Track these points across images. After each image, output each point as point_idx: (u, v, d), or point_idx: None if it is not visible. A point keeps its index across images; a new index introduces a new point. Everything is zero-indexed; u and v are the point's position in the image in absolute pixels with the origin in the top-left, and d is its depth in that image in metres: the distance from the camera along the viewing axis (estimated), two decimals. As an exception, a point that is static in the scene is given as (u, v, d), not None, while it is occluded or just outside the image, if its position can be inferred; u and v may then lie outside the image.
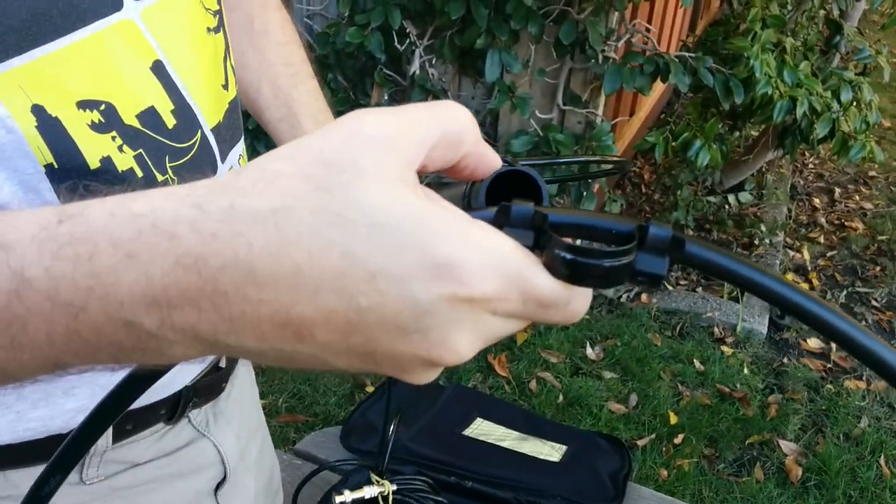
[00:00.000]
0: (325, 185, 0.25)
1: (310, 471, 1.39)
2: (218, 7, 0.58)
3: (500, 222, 0.29)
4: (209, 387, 0.63)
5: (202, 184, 0.27)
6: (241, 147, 0.61)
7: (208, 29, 0.56)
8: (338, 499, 0.74)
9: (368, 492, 0.78)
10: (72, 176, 0.46)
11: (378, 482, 0.81)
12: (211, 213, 0.26)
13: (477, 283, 0.25)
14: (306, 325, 0.26)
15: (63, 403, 0.52)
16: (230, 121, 0.58)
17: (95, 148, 0.46)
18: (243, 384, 0.73)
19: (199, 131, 0.53)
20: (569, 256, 0.27)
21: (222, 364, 0.66)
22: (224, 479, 0.67)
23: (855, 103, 2.62)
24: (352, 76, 2.61)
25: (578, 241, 0.29)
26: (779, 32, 2.66)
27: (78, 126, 0.45)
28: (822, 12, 3.02)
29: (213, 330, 0.26)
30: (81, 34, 0.45)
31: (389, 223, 0.25)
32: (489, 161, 0.31)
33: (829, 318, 0.28)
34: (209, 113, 0.54)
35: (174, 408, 0.60)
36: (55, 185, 0.45)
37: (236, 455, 0.69)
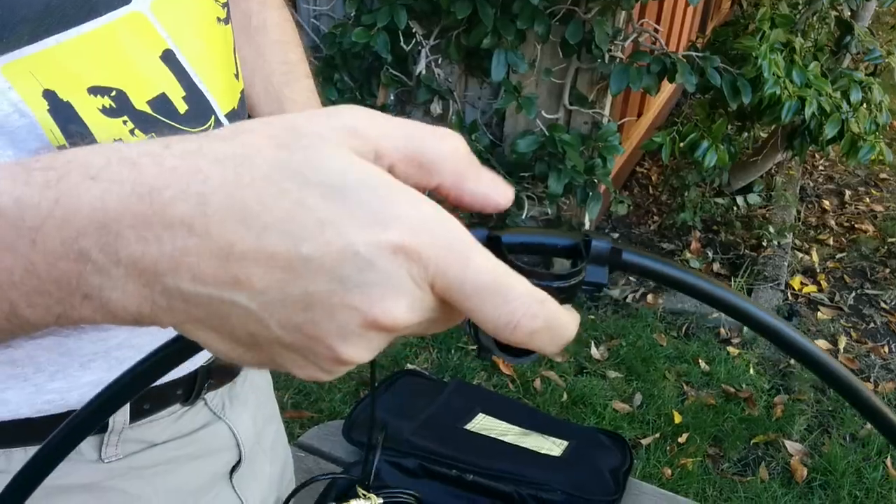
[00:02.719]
0: (287, 145, 0.26)
1: (312, 463, 1.40)
2: None
3: None
4: (224, 369, 0.65)
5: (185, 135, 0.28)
6: None
7: (218, 19, 0.58)
8: None
9: None
10: None
11: (364, 496, 0.82)
12: (175, 151, 0.27)
13: (417, 236, 0.26)
14: (247, 265, 0.26)
15: (79, 376, 0.53)
16: (243, 109, 0.60)
17: (107, 131, 0.48)
18: (259, 371, 0.74)
19: (213, 116, 0.55)
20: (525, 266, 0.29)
21: None
22: (239, 462, 0.69)
23: (865, 104, 2.61)
24: (358, 76, 2.62)
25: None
26: (788, 32, 2.66)
27: (89, 110, 0.47)
28: (832, 13, 3.02)
29: (154, 265, 0.26)
30: (92, 25, 0.47)
31: (344, 184, 0.26)
32: (476, 198, 0.29)
33: (751, 311, 0.32)
34: (223, 99, 0.56)
35: (190, 388, 0.61)
36: None
37: (251, 439, 0.70)
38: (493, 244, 0.29)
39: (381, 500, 0.91)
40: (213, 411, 0.66)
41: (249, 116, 0.64)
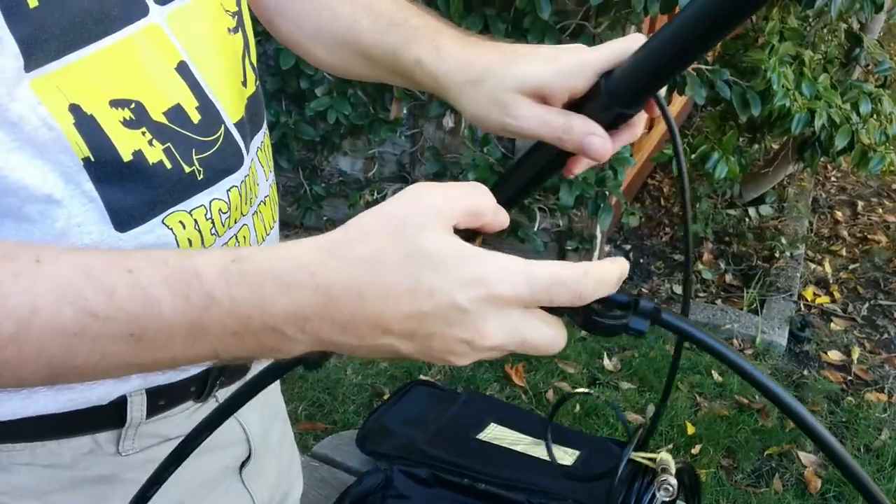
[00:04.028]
0: (400, 238, 0.39)
1: (326, 473, 1.42)
2: (237, 8, 0.62)
3: None
4: (234, 368, 0.67)
5: (324, 238, 0.41)
6: (261, 138, 0.65)
7: (228, 29, 0.60)
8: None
9: (666, 489, 0.69)
10: (107, 168, 0.50)
11: (667, 467, 0.68)
12: (336, 255, 0.40)
13: (494, 285, 0.38)
14: (390, 324, 0.39)
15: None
16: (250, 115, 0.62)
17: (128, 143, 0.50)
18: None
19: (223, 126, 0.57)
20: (592, 308, 0.41)
21: None
22: (249, 457, 0.71)
23: (875, 115, 2.62)
24: (371, 91, 2.66)
25: None
26: (797, 45, 2.67)
27: (111, 123, 0.50)
28: (842, 25, 3.03)
29: (330, 334, 0.39)
30: (112, 39, 0.49)
31: (441, 258, 0.39)
32: (503, 225, 0.45)
33: (771, 386, 0.39)
34: (231, 109, 0.58)
35: (203, 386, 0.63)
36: (93, 176, 0.49)
37: (260, 435, 0.72)
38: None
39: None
40: None
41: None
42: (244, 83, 0.62)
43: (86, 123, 0.48)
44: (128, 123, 0.50)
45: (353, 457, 1.43)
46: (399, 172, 2.87)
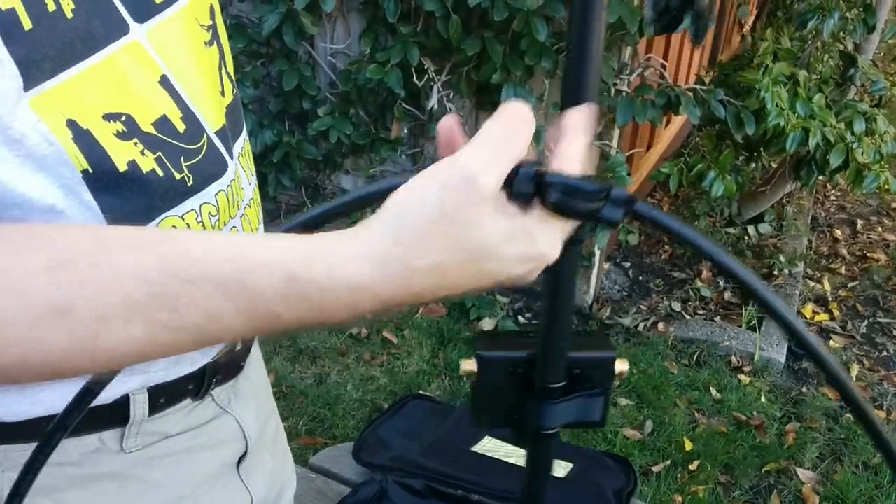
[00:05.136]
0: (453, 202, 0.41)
1: (322, 484, 1.45)
2: (211, 22, 0.65)
3: (511, 177, 0.42)
4: (229, 365, 0.70)
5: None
6: (242, 144, 0.68)
7: (205, 43, 0.63)
8: None
9: None
10: (104, 179, 0.53)
11: None
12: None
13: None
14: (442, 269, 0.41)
15: (67, 384, 0.57)
16: (231, 122, 0.65)
17: (122, 154, 0.54)
18: (258, 369, 0.80)
19: (205, 134, 0.60)
20: (558, 196, 0.41)
21: (238, 346, 0.72)
22: (245, 453, 0.74)
23: (870, 134, 2.65)
24: (373, 111, 2.71)
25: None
26: (792, 66, 2.71)
27: (106, 135, 0.53)
28: (838, 45, 3.07)
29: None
30: (98, 57, 0.52)
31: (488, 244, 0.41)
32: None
33: (743, 275, 0.42)
34: (211, 118, 0.61)
35: (199, 384, 0.66)
36: (91, 187, 0.52)
37: (255, 432, 0.75)
38: (539, 178, 0.41)
39: None
40: (219, 405, 0.71)
41: (232, 126, 0.67)
42: (222, 93, 0.65)
43: (83, 137, 0.51)
44: (121, 135, 0.54)
45: (349, 468, 1.46)
46: (400, 191, 2.91)
